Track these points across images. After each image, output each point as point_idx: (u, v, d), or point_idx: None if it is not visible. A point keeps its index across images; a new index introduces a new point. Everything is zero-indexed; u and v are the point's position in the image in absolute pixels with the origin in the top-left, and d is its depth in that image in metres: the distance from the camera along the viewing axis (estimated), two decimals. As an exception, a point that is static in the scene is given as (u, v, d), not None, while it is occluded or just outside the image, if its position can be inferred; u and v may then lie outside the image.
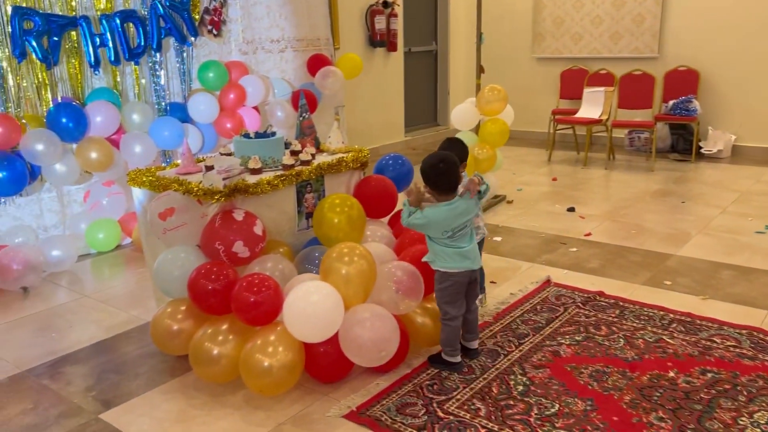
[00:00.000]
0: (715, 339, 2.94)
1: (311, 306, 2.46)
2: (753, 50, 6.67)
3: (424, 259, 2.76)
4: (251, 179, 2.94)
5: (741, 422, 2.31)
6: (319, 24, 6.10)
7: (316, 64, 5.87)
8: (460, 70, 8.88)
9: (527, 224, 4.78)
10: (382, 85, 7.77)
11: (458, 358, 2.76)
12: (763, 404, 2.42)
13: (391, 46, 7.63)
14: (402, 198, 2.82)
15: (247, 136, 3.22)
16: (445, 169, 2.62)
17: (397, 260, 2.89)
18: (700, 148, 6.90)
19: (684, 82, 6.98)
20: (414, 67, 8.41)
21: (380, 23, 7.36)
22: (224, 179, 2.75)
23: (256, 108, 5.29)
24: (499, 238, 4.46)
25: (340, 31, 6.95)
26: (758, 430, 2.27)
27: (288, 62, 5.88)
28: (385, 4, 7.41)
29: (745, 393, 2.50)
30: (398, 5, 7.60)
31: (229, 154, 3.36)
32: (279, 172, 3.06)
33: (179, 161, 3.31)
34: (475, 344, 2.87)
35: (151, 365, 2.88)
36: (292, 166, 3.13)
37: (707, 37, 6.92)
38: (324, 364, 2.61)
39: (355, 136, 7.18)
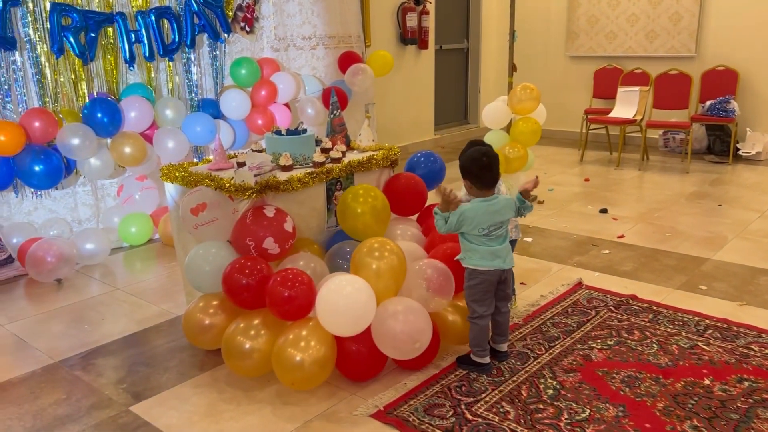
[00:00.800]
0: (752, 347, 2.86)
1: (344, 299, 2.47)
2: (795, 50, 6.48)
3: (457, 258, 2.75)
4: (282, 176, 2.94)
5: (780, 433, 2.24)
6: (350, 21, 6.10)
7: (346, 61, 5.87)
8: (491, 68, 8.80)
9: (558, 225, 4.71)
10: (413, 83, 7.74)
11: (487, 359, 2.73)
12: (804, 415, 2.34)
13: (423, 44, 7.60)
14: (432, 196, 2.79)
15: (278, 132, 3.22)
16: (488, 162, 2.61)
17: (427, 258, 2.87)
18: (738, 149, 6.73)
19: (722, 82, 6.81)
20: (445, 64, 8.37)
21: (411, 20, 7.33)
22: (255, 176, 2.76)
23: (287, 105, 5.32)
24: (529, 239, 4.41)
25: (371, 29, 6.95)
26: (798, 442, 2.20)
27: (319, 59, 5.90)
28: (417, 2, 7.38)
29: (784, 403, 2.42)
30: (430, 2, 7.56)
31: (261, 151, 3.38)
32: (310, 170, 3.06)
33: (211, 157, 3.33)
34: (504, 347, 2.83)
35: (181, 359, 2.91)
36: (323, 163, 3.12)
37: (746, 36, 6.74)
38: (355, 362, 2.61)
39: (384, 133, 7.16)
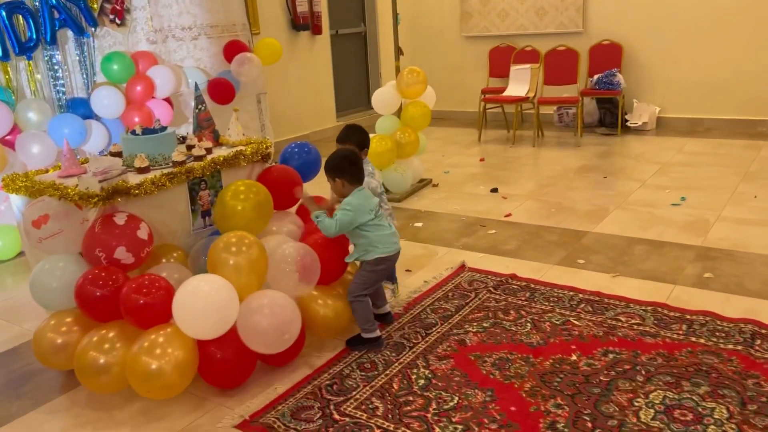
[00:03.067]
0: (620, 318, 2.93)
1: (202, 299, 2.37)
2: (673, 22, 6.74)
3: (349, 260, 2.81)
4: (136, 179, 2.77)
5: (636, 403, 2.30)
6: (234, 9, 5.87)
7: (232, 50, 5.65)
8: (390, 52, 8.69)
9: (450, 208, 4.72)
10: (310, 70, 7.58)
11: (378, 332, 2.79)
12: (660, 383, 2.41)
13: (316, 29, 7.44)
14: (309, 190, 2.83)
15: (134, 132, 3.03)
16: (356, 159, 2.78)
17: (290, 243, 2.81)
18: (626, 121, 6.97)
19: (608, 56, 7.02)
20: (343, 49, 8.25)
21: (302, 6, 7.17)
22: (101, 181, 2.58)
23: (168, 100, 5.07)
24: (419, 224, 4.39)
25: (259, 16, 6.73)
26: (652, 410, 2.25)
27: (203, 50, 5.65)
28: (307, -14, 7.21)
29: (643, 372, 2.48)
30: (321, -13, 7.40)
31: (119, 153, 3.18)
32: (168, 170, 2.89)
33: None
34: (387, 308, 2.99)
35: (37, 383, 2.71)
36: (183, 162, 2.96)
37: (628, 11, 6.96)
38: (220, 368, 2.48)
39: (284, 123, 7.00)
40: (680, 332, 2.76)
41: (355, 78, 8.66)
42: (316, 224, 2.74)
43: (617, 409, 2.27)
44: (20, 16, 4.26)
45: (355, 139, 3.17)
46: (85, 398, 2.57)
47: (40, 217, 2.57)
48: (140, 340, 2.41)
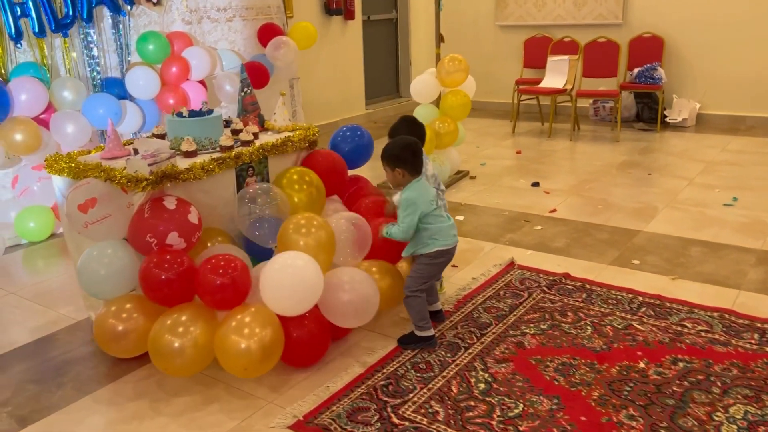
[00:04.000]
0: (686, 323, 2.78)
1: (292, 274, 2.37)
2: (718, 16, 6.52)
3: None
4: (184, 163, 2.65)
5: (716, 418, 2.15)
6: (269, -9, 5.74)
7: (267, 33, 5.53)
8: (421, 39, 8.56)
9: (490, 201, 4.57)
10: (340, 56, 7.43)
11: (432, 330, 2.68)
12: (738, 396, 2.26)
13: (349, 14, 7.28)
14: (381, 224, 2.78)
15: (180, 114, 2.91)
16: (418, 148, 2.63)
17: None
18: (665, 116, 6.77)
19: (649, 49, 6.81)
20: (373, 36, 8.08)
21: (336, -10, 7.00)
22: (150, 164, 2.46)
23: (202, 82, 4.95)
24: (461, 218, 4.25)
25: (293, -1, 6.58)
26: (734, 426, 2.11)
27: (237, 32, 5.53)
28: (341, -30, 7.04)
29: (719, 384, 2.34)
30: (355, -30, 7.23)
31: (163, 135, 3.06)
32: (216, 155, 2.77)
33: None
34: (438, 305, 2.89)
35: (78, 372, 2.60)
36: (231, 147, 2.84)
37: (672, 4, 6.74)
38: (298, 346, 2.47)
39: (312, 110, 6.86)
40: (753, 341, 2.61)
41: (384, 65, 8.50)
42: (390, 237, 2.63)
43: (696, 423, 2.13)
44: (57, -8, 4.14)
45: (409, 132, 2.99)
46: (130, 389, 2.47)
47: (87, 201, 2.45)
48: (227, 319, 2.35)
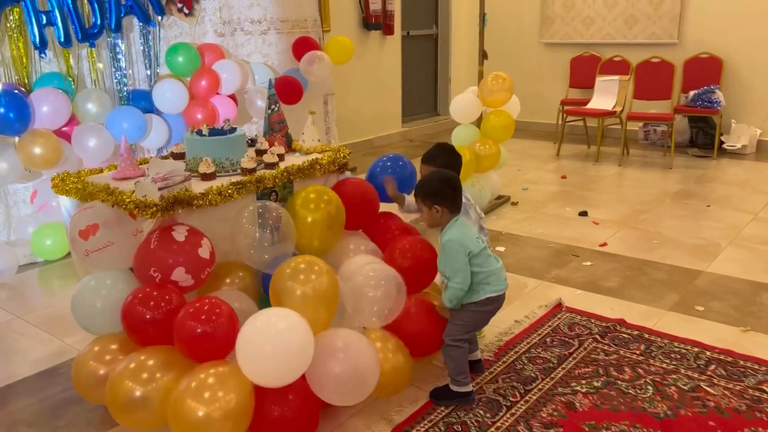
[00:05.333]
0: (764, 387, 2.41)
1: (273, 338, 1.95)
2: (783, 36, 6.08)
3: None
4: (200, 187, 2.40)
5: None
6: (306, 3, 5.53)
7: (302, 47, 5.31)
8: (462, 56, 8.27)
9: (534, 231, 4.23)
10: (378, 72, 7.19)
11: (470, 386, 2.36)
12: (839, 488, 1.89)
13: (388, 29, 7.05)
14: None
15: (200, 132, 2.67)
16: (458, 183, 2.39)
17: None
18: (723, 143, 6.33)
19: (706, 70, 6.39)
20: (412, 51, 7.83)
21: (375, 4, 6.78)
22: (161, 188, 2.21)
23: (232, 96, 4.74)
24: (502, 248, 3.92)
25: (330, 12, 6.38)
26: None
27: (271, 45, 5.33)
28: (381, -17, 6.82)
29: (812, 470, 1.97)
30: (395, -16, 7.01)
31: (182, 154, 2.82)
32: (236, 178, 2.52)
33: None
34: (478, 354, 2.58)
35: (75, 414, 2.36)
36: (254, 170, 2.59)
37: (732, 23, 6.31)
38: (280, 424, 2.07)
39: (347, 127, 6.62)
40: None
41: (423, 82, 8.23)
42: (453, 306, 2.33)
43: None
44: (85, 1, 3.98)
45: (445, 161, 2.69)
46: (129, 437, 2.21)
47: (88, 227, 2.21)
48: (188, 378, 2.01)
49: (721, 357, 2.63)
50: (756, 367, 2.55)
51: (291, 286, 2.14)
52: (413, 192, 2.44)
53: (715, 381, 2.46)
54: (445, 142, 3.02)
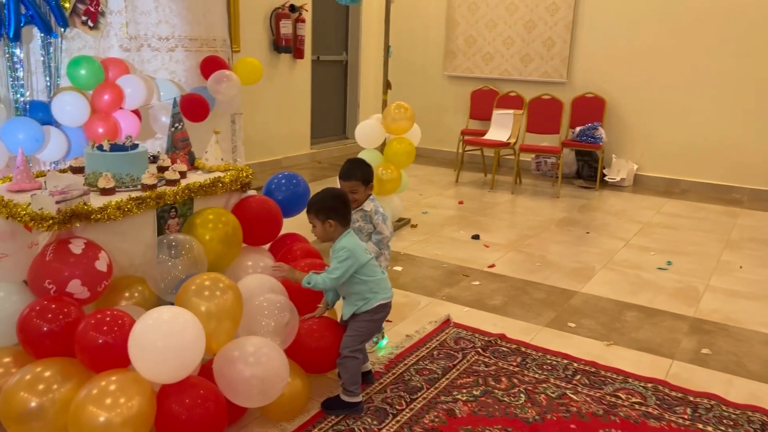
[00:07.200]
0: (620, 394, 2.71)
1: (164, 333, 2.02)
2: (656, 81, 6.76)
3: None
4: (99, 202, 2.44)
5: (649, 502, 2.05)
6: (216, 23, 5.59)
7: (210, 66, 5.35)
8: (371, 83, 8.56)
9: (430, 252, 4.47)
10: (287, 94, 7.32)
11: (360, 396, 2.51)
12: (672, 478, 2.18)
13: (298, 53, 7.20)
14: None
15: (100, 147, 2.70)
16: (347, 198, 2.58)
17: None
18: (604, 175, 6.91)
19: (591, 109, 6.98)
20: (323, 76, 8.02)
21: (286, 28, 6.92)
22: (58, 202, 2.24)
23: (136, 112, 4.72)
24: (399, 268, 4.13)
25: (241, 33, 6.47)
26: None
27: (179, 62, 5.34)
28: (292, 8, 6.98)
29: (652, 463, 2.25)
30: (306, 10, 7.18)
31: (82, 168, 2.83)
32: (136, 194, 2.57)
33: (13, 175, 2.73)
34: (368, 365, 2.72)
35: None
36: (154, 186, 2.64)
37: (614, 66, 6.95)
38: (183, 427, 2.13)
39: (255, 146, 6.69)
40: (685, 416, 2.55)
41: (332, 106, 8.44)
42: (310, 287, 2.44)
43: (629, 508, 2.03)
44: (-18, 8, 3.88)
45: (361, 174, 2.89)
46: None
47: (-20, 238, 2.20)
48: (89, 385, 2.04)
49: (586, 368, 2.92)
50: (615, 376, 2.85)
51: (196, 302, 2.22)
52: (324, 217, 2.47)
53: (579, 389, 2.74)
54: (355, 157, 3.19)
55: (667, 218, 5.64)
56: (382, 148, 4.99)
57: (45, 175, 2.70)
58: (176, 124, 3.04)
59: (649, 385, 2.78)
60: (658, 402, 2.65)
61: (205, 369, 2.26)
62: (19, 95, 4.19)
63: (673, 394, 2.72)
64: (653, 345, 3.19)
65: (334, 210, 2.46)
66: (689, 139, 6.69)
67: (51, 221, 2.22)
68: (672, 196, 6.48)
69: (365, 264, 2.45)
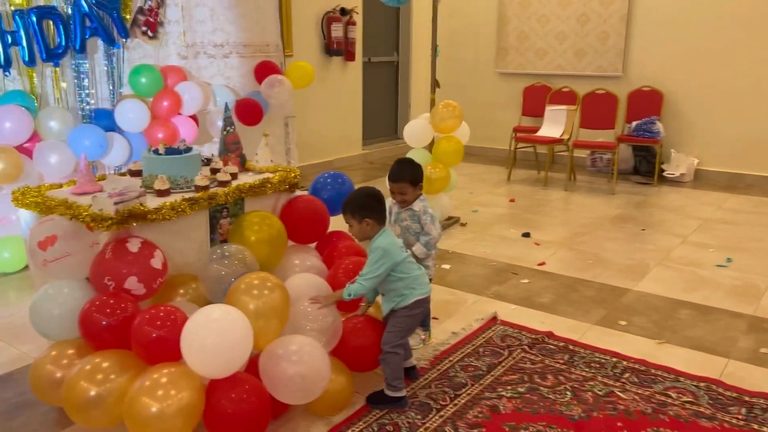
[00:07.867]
0: (670, 393, 2.65)
1: (214, 330, 2.12)
2: (717, 73, 6.52)
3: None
4: (154, 203, 2.57)
5: (696, 502, 2.01)
6: (269, 29, 5.74)
7: (263, 71, 5.51)
8: (422, 83, 8.55)
9: (479, 251, 4.47)
10: (339, 96, 7.44)
11: (404, 391, 2.54)
12: (722, 478, 2.13)
13: (349, 56, 7.31)
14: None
15: (156, 151, 2.84)
16: (382, 197, 2.59)
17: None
18: (663, 171, 6.71)
19: (647, 102, 6.79)
20: (374, 77, 8.11)
21: (337, 31, 7.04)
22: (116, 203, 2.37)
23: (194, 117, 4.91)
24: (447, 266, 4.15)
25: (293, 38, 6.62)
26: None
27: (233, 69, 5.51)
28: (343, 12, 7.09)
29: (701, 463, 2.21)
30: (357, 13, 7.28)
31: (140, 172, 2.98)
32: (189, 195, 2.69)
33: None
34: (413, 361, 2.77)
35: (29, 417, 2.48)
36: (206, 187, 2.76)
37: (672, 58, 6.75)
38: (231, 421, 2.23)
39: (307, 149, 6.83)
40: (740, 416, 2.48)
41: (384, 107, 8.51)
42: (352, 298, 2.50)
43: (675, 507, 1.99)
44: (51, 22, 4.13)
45: (409, 175, 2.91)
46: (81, 438, 2.34)
47: (46, 238, 2.37)
48: (143, 377, 2.16)
49: (636, 366, 2.87)
50: (665, 375, 2.80)
51: (245, 300, 2.31)
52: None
53: (628, 387, 2.70)
54: (403, 157, 3.20)
55: (728, 214, 5.45)
56: (430, 147, 5.02)
57: (105, 179, 2.86)
58: (227, 128, 3.16)
59: (702, 384, 2.72)
60: (710, 401, 2.59)
61: (253, 362, 2.35)
62: (85, 104, 4.44)
63: (728, 393, 2.65)
64: (708, 343, 3.10)
65: (370, 209, 2.50)
66: (754, 132, 6.43)
67: (110, 221, 2.35)
68: (735, 191, 6.24)
69: (401, 262, 2.48)
